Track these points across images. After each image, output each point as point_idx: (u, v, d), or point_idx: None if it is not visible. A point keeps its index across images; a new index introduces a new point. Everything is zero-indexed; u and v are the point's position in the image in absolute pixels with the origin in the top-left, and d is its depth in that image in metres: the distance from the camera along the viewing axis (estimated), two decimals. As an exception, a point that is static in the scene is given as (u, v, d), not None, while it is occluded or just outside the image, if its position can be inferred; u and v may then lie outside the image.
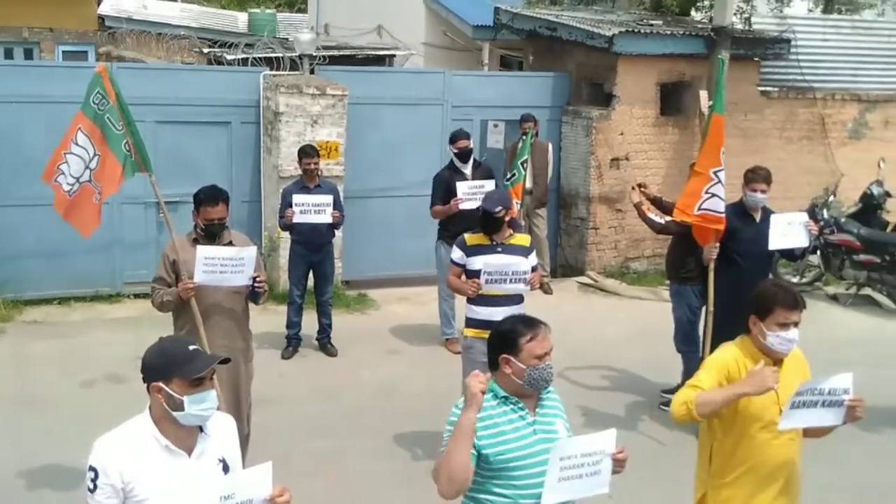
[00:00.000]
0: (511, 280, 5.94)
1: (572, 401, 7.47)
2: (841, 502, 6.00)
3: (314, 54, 11.30)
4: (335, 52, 13.98)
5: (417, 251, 10.17)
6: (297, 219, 8.16)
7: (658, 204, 7.86)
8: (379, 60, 15.72)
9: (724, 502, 4.03)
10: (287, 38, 14.17)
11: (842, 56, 12.76)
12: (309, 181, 8.42)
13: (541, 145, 10.59)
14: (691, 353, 7.39)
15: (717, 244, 6.71)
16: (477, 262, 5.99)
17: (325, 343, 8.74)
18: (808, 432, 4.06)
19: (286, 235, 8.88)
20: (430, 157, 10.77)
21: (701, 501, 4.16)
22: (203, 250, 5.45)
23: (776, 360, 3.99)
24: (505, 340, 3.51)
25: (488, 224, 6.08)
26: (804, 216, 6.82)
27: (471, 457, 3.34)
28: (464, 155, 8.74)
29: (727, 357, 4.01)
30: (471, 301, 6.09)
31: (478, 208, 6.10)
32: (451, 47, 16.16)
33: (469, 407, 3.32)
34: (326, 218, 8.22)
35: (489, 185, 8.34)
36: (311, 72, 10.82)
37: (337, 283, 9.77)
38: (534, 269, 6.10)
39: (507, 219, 6.11)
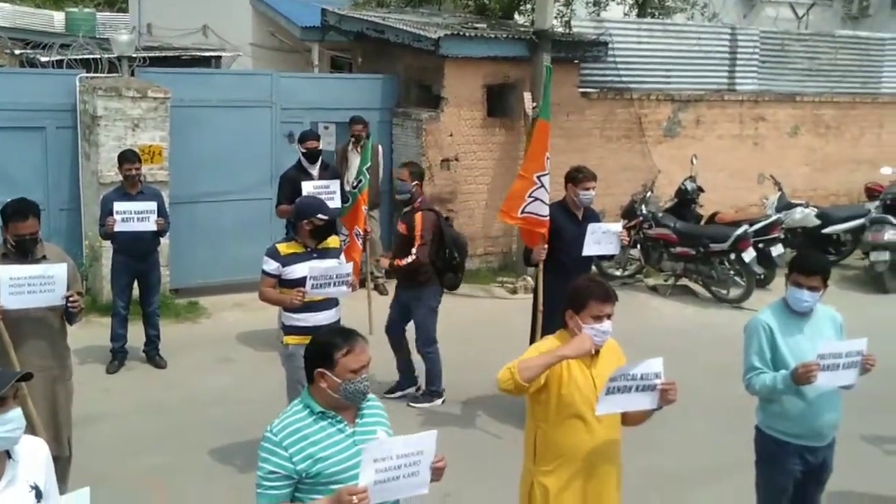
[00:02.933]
0: (335, 283, 5.93)
1: (403, 404, 7.58)
2: (660, 485, 6.31)
3: (134, 55, 10.91)
4: (157, 53, 13.56)
5: (250, 256, 9.90)
6: (119, 227, 7.86)
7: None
8: (205, 62, 15.38)
9: (547, 490, 4.16)
10: (106, 39, 13.63)
11: (655, 58, 13.40)
12: (131, 188, 8.12)
13: (371, 147, 10.62)
14: (432, 355, 7.71)
15: (546, 245, 6.93)
16: (299, 270, 5.90)
17: (153, 355, 8.46)
18: (627, 419, 4.25)
19: (108, 244, 8.55)
20: (259, 161, 10.62)
21: (528, 491, 4.29)
22: (7, 270, 5.13)
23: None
24: (321, 354, 3.43)
25: (318, 231, 5.99)
26: (619, 227, 7.12)
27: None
28: (312, 155, 8.85)
29: (550, 346, 4.16)
30: (289, 308, 6.00)
31: (290, 219, 6.03)
32: (280, 48, 15.97)
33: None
34: (150, 226, 7.96)
35: (335, 185, 8.45)
36: (132, 74, 10.44)
37: (165, 292, 9.47)
38: None
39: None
